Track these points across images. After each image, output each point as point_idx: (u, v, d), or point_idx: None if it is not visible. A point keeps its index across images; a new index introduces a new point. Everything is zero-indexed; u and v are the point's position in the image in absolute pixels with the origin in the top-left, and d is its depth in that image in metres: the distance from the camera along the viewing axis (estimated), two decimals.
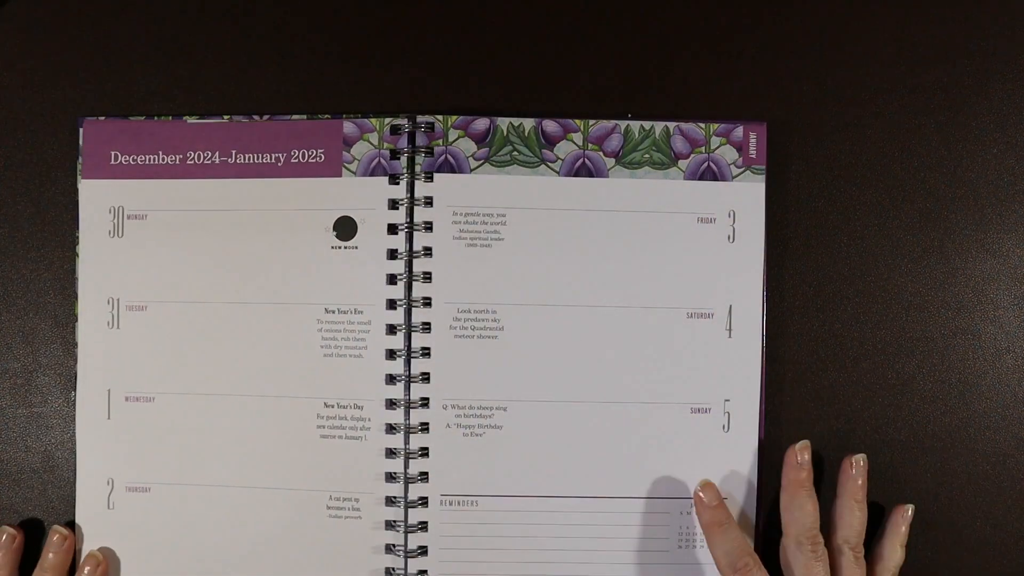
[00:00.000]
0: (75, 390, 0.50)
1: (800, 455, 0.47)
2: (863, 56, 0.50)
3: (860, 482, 0.47)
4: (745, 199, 0.48)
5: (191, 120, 0.50)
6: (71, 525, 0.50)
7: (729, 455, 0.48)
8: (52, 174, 0.51)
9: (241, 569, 0.49)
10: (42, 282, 0.51)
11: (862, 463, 0.47)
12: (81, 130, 0.50)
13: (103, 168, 0.50)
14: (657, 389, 0.48)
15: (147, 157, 0.50)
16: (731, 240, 0.48)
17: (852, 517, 0.46)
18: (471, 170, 0.48)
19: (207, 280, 0.50)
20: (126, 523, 0.50)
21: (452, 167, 0.48)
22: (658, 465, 0.48)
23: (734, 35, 0.50)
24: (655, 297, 0.48)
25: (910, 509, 0.48)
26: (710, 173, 0.48)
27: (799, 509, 0.46)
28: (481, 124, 0.48)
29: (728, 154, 0.48)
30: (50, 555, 0.48)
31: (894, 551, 0.47)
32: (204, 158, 0.50)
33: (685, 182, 0.48)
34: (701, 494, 0.47)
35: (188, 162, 0.50)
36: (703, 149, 0.48)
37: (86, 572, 0.48)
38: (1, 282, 0.51)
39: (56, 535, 0.48)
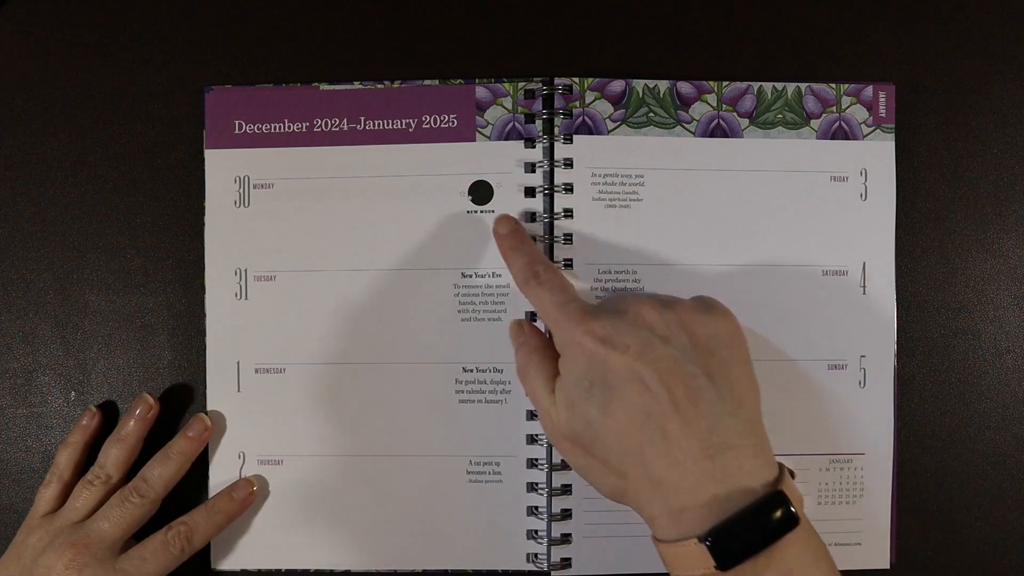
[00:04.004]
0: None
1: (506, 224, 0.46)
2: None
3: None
4: (876, 157, 0.49)
5: (321, 87, 0.50)
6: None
7: (866, 410, 0.49)
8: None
9: (381, 537, 0.49)
10: (42, 282, 0.50)
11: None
12: (206, 99, 0.50)
13: (227, 137, 0.50)
14: (794, 346, 0.49)
15: (273, 125, 0.50)
16: (863, 198, 0.49)
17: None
18: (608, 132, 0.48)
19: (338, 248, 0.49)
20: (259, 498, 0.49)
21: (590, 129, 0.48)
22: (796, 422, 0.49)
23: None
24: (791, 255, 0.49)
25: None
26: (841, 132, 0.49)
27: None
28: (617, 86, 0.49)
29: (858, 113, 0.49)
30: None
31: None
32: (332, 125, 0.50)
33: (817, 141, 0.49)
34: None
35: (315, 130, 0.50)
36: (834, 109, 0.49)
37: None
38: (0, 282, 0.50)
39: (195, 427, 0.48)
